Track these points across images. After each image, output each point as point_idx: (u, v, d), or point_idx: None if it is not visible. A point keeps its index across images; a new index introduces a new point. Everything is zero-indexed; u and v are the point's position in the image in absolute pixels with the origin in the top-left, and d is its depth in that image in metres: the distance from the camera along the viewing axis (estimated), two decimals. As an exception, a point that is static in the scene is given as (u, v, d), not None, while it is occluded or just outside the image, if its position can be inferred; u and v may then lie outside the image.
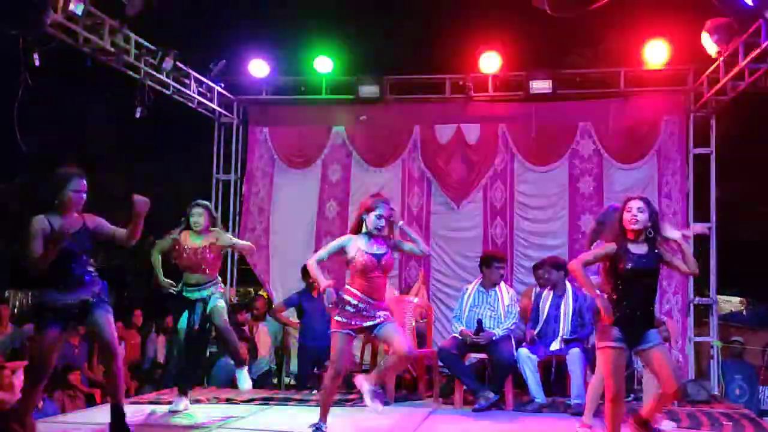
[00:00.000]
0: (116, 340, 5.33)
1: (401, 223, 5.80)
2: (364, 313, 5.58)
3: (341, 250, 5.67)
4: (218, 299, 6.78)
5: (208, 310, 6.73)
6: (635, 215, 5.04)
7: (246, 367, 6.96)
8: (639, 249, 5.05)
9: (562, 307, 7.64)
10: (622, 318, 4.97)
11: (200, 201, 7.02)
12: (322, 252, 5.78)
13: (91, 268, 5.28)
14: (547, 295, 7.76)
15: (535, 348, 7.55)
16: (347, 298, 5.58)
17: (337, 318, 5.60)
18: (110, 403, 5.39)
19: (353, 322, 5.59)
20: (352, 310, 5.58)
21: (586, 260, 5.14)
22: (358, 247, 5.60)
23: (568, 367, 7.38)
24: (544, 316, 7.70)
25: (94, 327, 5.22)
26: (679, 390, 5.02)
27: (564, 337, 7.52)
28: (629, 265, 4.97)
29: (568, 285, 7.73)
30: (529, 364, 7.40)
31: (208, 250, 6.74)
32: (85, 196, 5.25)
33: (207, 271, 6.77)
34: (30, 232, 5.11)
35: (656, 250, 5.06)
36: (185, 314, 6.83)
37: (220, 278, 6.90)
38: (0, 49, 9.83)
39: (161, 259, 6.88)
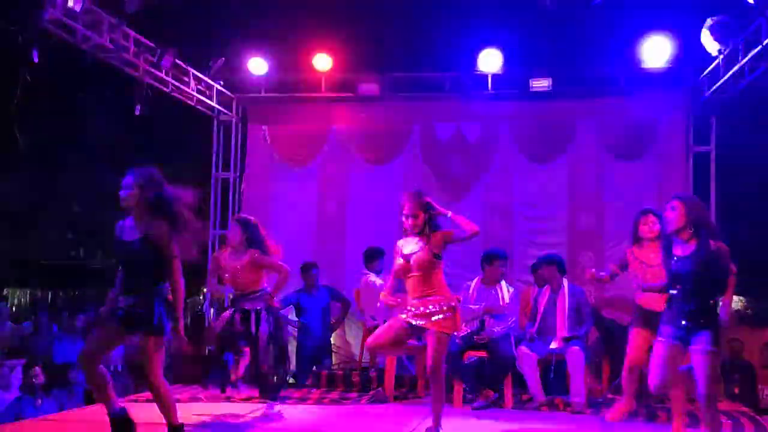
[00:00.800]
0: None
1: (449, 214, 5.72)
2: (416, 311, 5.57)
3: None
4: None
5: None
6: (667, 215, 5.07)
7: None
8: (684, 249, 5.03)
9: (559, 302, 7.64)
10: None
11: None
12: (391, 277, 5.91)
13: (144, 279, 4.89)
14: (544, 293, 7.77)
15: (534, 346, 7.54)
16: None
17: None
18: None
19: (412, 317, 5.59)
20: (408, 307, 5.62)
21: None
22: (400, 250, 5.69)
23: (568, 366, 7.37)
24: (541, 314, 7.70)
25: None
26: (704, 397, 4.90)
27: (563, 335, 7.51)
28: (673, 267, 5.01)
29: (565, 282, 7.73)
30: (528, 362, 7.39)
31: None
32: (129, 192, 4.91)
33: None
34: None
35: (703, 250, 4.95)
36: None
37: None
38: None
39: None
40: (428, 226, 5.63)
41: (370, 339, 5.71)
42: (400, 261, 5.62)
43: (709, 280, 4.97)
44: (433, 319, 5.50)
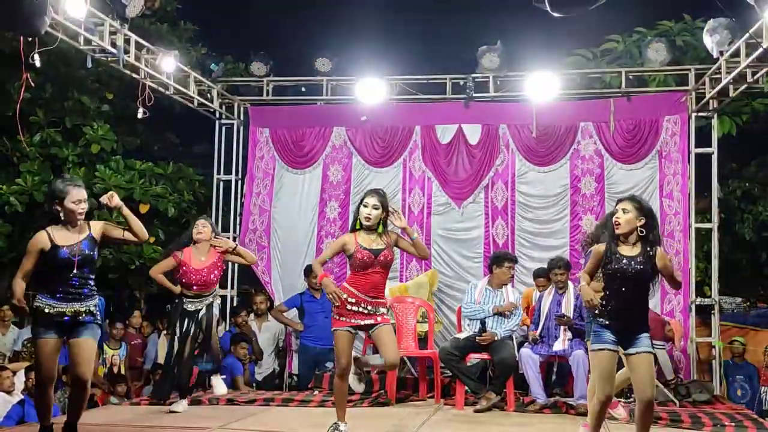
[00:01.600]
0: (90, 371, 5.36)
1: (416, 236, 5.83)
2: (364, 311, 5.60)
3: (342, 248, 5.73)
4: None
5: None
6: (617, 218, 5.04)
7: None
8: (630, 251, 5.02)
9: (564, 304, 7.65)
10: (612, 320, 4.95)
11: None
12: (326, 252, 6.01)
13: (91, 282, 5.31)
14: (549, 293, 7.77)
15: (537, 348, 7.55)
16: (346, 296, 5.60)
17: (336, 316, 5.64)
18: (66, 420, 5.41)
19: (353, 320, 5.60)
20: (351, 308, 5.60)
21: (589, 270, 5.16)
22: (357, 243, 5.64)
23: (572, 369, 7.38)
24: (545, 316, 7.70)
25: (75, 349, 5.22)
26: (649, 402, 4.91)
27: (569, 338, 7.51)
28: (614, 266, 4.97)
29: (570, 284, 7.73)
30: (531, 364, 7.39)
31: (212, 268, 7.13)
32: (85, 205, 5.23)
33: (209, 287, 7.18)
34: (27, 248, 5.21)
35: (649, 252, 4.99)
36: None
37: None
38: (1, 49, 9.91)
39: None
40: (383, 224, 5.73)
41: (341, 366, 5.67)
42: (361, 253, 5.60)
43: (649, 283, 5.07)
44: (386, 315, 5.70)
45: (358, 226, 5.70)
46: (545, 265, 8.10)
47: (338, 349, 5.62)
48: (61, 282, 5.17)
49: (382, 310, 5.69)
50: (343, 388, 5.71)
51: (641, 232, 5.02)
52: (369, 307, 5.60)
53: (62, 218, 5.20)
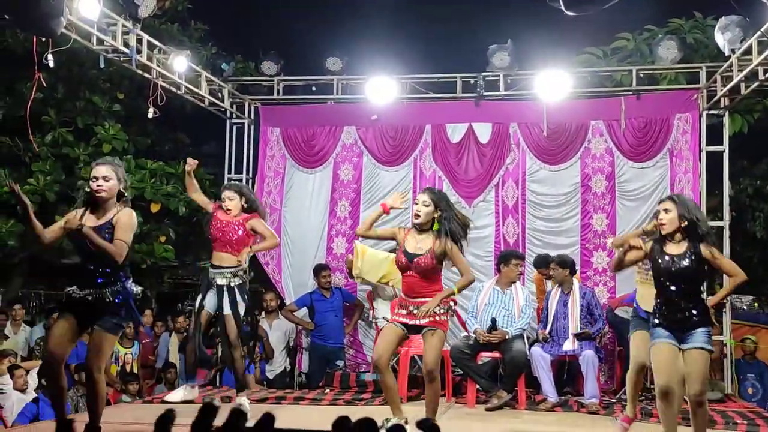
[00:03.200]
0: (101, 367, 5.06)
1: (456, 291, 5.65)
2: (406, 311, 5.58)
3: (392, 237, 5.72)
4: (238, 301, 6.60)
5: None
6: (661, 218, 5.12)
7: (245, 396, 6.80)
8: (675, 249, 5.09)
9: (570, 304, 7.66)
10: (663, 318, 5.09)
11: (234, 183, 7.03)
12: (376, 225, 5.77)
13: (108, 268, 5.00)
14: (555, 294, 7.78)
15: (548, 347, 7.55)
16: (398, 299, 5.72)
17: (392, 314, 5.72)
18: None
19: (400, 318, 5.60)
20: (399, 309, 5.64)
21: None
22: (403, 241, 5.59)
23: (582, 369, 7.39)
24: (553, 315, 7.71)
25: (90, 343, 5.03)
26: (696, 398, 4.98)
27: (575, 333, 7.53)
28: (660, 265, 5.08)
29: (575, 282, 7.74)
30: (542, 362, 7.40)
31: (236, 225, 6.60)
32: (103, 182, 4.97)
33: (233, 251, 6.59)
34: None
35: (695, 249, 5.04)
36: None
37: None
38: (11, 49, 9.96)
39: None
40: (439, 223, 5.53)
41: (373, 361, 5.69)
42: (399, 255, 5.57)
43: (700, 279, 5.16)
44: (437, 316, 5.50)
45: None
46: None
47: (377, 341, 5.72)
48: (80, 266, 5.05)
49: (428, 315, 5.50)
50: (384, 381, 5.61)
51: (685, 229, 5.07)
52: (411, 308, 5.57)
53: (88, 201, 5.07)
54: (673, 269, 5.02)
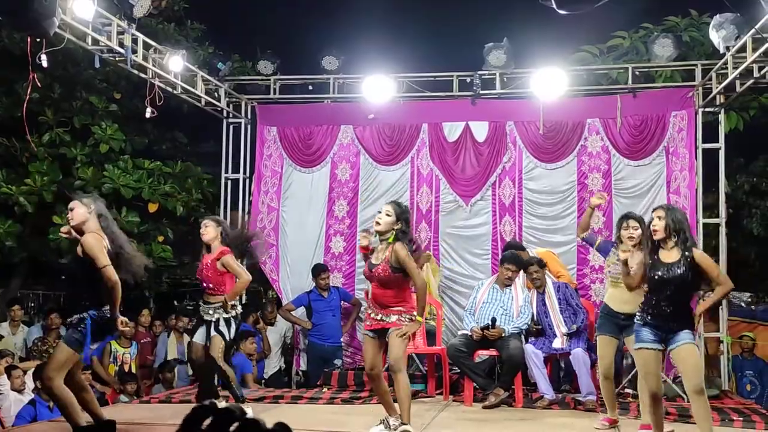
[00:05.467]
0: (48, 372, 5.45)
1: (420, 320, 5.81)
2: (375, 318, 5.75)
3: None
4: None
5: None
6: (653, 225, 5.25)
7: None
8: (668, 257, 5.21)
9: (548, 301, 7.69)
10: (653, 318, 5.21)
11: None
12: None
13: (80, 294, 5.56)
14: (532, 297, 7.80)
15: (539, 343, 7.57)
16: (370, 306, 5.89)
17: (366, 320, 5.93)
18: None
19: (371, 324, 5.79)
20: (370, 314, 5.83)
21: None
22: (371, 250, 5.83)
23: (574, 367, 7.41)
24: (535, 317, 7.73)
25: None
26: (696, 390, 5.13)
27: (564, 333, 7.54)
28: (656, 272, 5.20)
29: (548, 280, 7.77)
30: (535, 359, 7.41)
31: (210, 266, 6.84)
32: (70, 214, 5.50)
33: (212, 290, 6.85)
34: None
35: (687, 256, 5.17)
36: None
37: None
38: (9, 49, 9.96)
39: None
40: (396, 238, 5.61)
41: (366, 368, 5.92)
42: (366, 266, 5.83)
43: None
44: (399, 320, 5.69)
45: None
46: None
47: (363, 352, 5.97)
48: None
49: (393, 318, 5.67)
50: (378, 387, 5.83)
51: (674, 237, 5.22)
52: (379, 316, 5.73)
53: None
54: (665, 277, 5.16)
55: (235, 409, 1.16)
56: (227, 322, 6.72)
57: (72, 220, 5.63)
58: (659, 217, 5.23)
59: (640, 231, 5.94)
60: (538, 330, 7.64)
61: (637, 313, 5.33)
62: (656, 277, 5.18)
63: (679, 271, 5.14)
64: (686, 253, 5.16)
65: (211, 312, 6.75)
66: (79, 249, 5.38)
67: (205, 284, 6.85)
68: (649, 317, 5.20)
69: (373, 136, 10.05)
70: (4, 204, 10.12)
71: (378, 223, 5.63)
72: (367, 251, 5.80)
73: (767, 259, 12.65)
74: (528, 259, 7.95)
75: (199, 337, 6.89)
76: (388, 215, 5.62)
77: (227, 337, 6.70)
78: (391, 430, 5.69)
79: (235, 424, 1.12)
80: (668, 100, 9.45)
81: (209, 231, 6.87)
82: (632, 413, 6.77)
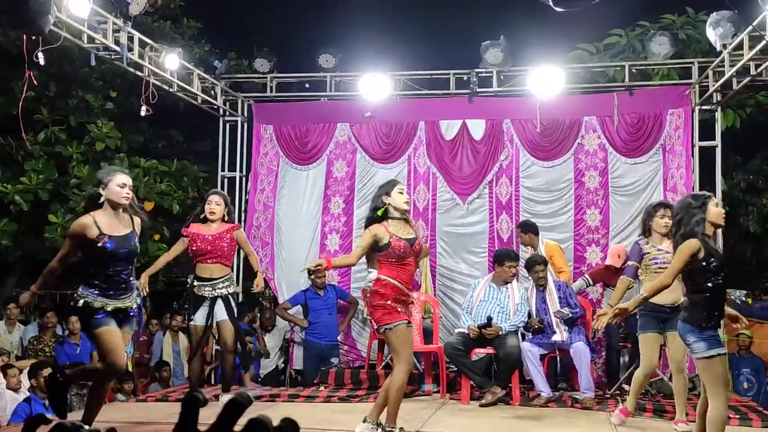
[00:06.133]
0: (123, 359, 5.25)
1: None
2: (407, 304, 5.45)
3: (374, 240, 5.40)
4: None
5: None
6: (721, 210, 5.01)
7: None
8: (717, 244, 5.07)
9: (548, 298, 7.68)
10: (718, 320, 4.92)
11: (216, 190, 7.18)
12: (361, 247, 5.47)
13: (133, 275, 5.26)
14: (532, 293, 7.78)
15: (537, 339, 7.56)
16: (391, 292, 5.33)
17: (389, 310, 5.33)
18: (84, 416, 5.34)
19: (408, 314, 5.45)
20: (403, 299, 5.39)
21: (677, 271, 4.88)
22: (389, 233, 5.39)
23: (574, 362, 7.39)
24: (536, 314, 7.72)
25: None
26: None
27: (566, 314, 7.52)
28: (716, 263, 4.78)
29: (549, 277, 7.76)
30: (531, 357, 7.40)
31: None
32: (129, 191, 5.14)
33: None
34: (69, 232, 5.11)
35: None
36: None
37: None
38: (4, 47, 9.93)
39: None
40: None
41: (409, 362, 5.53)
42: (399, 243, 5.36)
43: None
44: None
45: (380, 215, 5.45)
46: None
47: (405, 343, 5.35)
48: (108, 275, 5.06)
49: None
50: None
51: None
52: (410, 296, 5.48)
53: (106, 203, 5.09)
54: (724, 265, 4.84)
55: (243, 399, 1.14)
56: (234, 297, 6.83)
57: None
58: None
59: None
60: (540, 327, 7.62)
61: (705, 319, 4.78)
62: (719, 265, 4.78)
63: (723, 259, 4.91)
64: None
65: (221, 286, 6.77)
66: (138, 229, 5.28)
67: (213, 258, 6.80)
68: (714, 319, 4.84)
69: (370, 134, 10.04)
70: (-1, 203, 10.11)
71: (408, 202, 5.59)
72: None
73: (763, 257, 12.67)
74: (534, 258, 7.94)
75: (200, 318, 6.84)
76: (405, 193, 5.61)
77: (236, 313, 6.81)
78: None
79: (242, 424, 1.10)
80: (665, 97, 9.45)
81: (220, 209, 6.89)
82: (648, 413, 6.74)
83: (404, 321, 5.32)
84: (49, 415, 5.37)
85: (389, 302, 5.30)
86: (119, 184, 5.08)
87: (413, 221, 5.80)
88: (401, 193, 5.52)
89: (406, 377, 5.39)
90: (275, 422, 1.10)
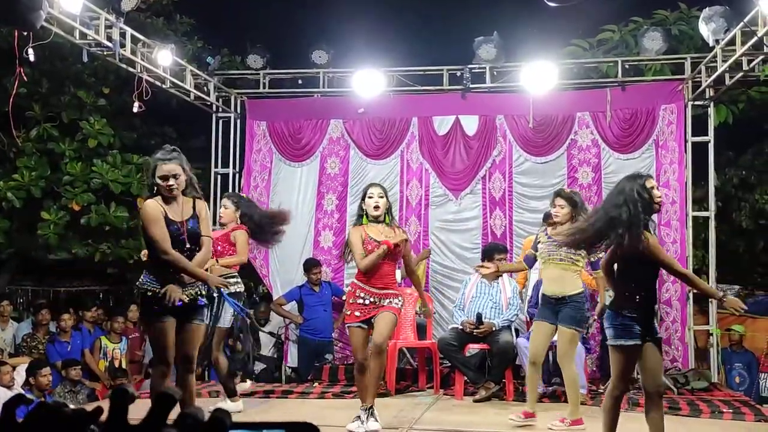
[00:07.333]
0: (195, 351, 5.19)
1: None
2: (372, 304, 5.71)
3: (360, 241, 5.76)
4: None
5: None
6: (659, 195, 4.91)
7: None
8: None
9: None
10: (641, 311, 4.84)
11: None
12: (359, 251, 5.76)
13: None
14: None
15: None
16: (358, 292, 5.75)
17: (347, 311, 5.85)
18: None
19: (361, 316, 5.75)
20: (364, 302, 5.72)
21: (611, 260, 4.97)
22: (365, 234, 5.73)
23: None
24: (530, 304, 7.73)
25: (188, 334, 5.04)
26: (660, 390, 4.96)
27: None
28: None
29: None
30: (527, 353, 7.41)
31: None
32: (173, 181, 4.97)
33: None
34: (149, 217, 4.89)
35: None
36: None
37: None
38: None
39: None
40: (389, 214, 5.86)
41: (357, 361, 5.87)
42: (370, 245, 5.69)
43: None
44: (393, 303, 5.81)
45: (365, 221, 5.79)
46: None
47: (353, 345, 5.85)
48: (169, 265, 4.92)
49: (392, 301, 5.76)
50: (362, 381, 5.82)
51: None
52: (376, 300, 5.71)
53: (158, 191, 5.01)
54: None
55: (172, 392, 1.13)
56: (237, 296, 6.66)
57: None
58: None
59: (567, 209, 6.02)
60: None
61: (624, 308, 4.82)
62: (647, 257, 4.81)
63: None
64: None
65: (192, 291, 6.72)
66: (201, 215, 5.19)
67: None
68: (636, 311, 4.80)
69: (363, 130, 10.03)
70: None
71: (377, 207, 5.73)
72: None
73: (756, 252, 12.70)
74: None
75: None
76: (381, 197, 5.76)
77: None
78: (362, 423, 5.72)
79: (174, 416, 1.10)
80: (658, 93, 9.46)
81: (228, 213, 6.82)
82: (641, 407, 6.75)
83: (355, 324, 5.79)
84: (29, 396, 5.37)
85: (350, 301, 5.85)
86: (160, 176, 4.99)
87: (396, 225, 5.94)
88: (370, 197, 5.77)
89: (356, 373, 5.88)
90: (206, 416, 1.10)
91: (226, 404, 6.64)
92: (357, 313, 5.76)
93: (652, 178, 5.11)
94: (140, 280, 5.06)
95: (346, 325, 5.92)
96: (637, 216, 4.62)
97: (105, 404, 1.13)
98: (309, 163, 10.10)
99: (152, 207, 4.91)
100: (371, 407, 5.73)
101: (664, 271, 6.11)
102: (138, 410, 1.10)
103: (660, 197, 4.87)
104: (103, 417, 1.15)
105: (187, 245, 4.99)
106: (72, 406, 1.17)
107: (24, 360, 8.49)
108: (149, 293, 4.95)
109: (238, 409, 6.47)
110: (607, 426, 4.97)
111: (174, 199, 5.02)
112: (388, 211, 5.82)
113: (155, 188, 5.01)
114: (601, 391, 7.72)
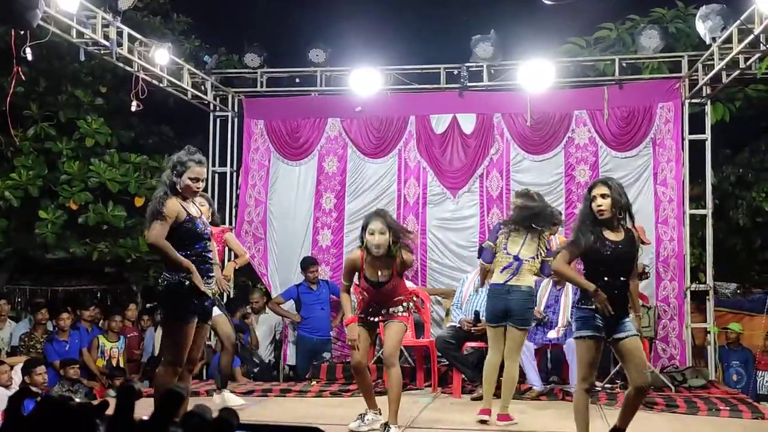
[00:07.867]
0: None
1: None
2: (378, 312, 5.80)
3: (353, 268, 5.77)
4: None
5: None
6: (599, 204, 4.92)
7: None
8: (614, 236, 4.94)
9: (563, 299, 7.68)
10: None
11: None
12: (345, 279, 5.86)
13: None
14: (546, 287, 7.78)
15: (531, 335, 7.57)
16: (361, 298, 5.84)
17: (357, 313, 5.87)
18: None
19: (369, 318, 5.80)
20: (368, 308, 5.81)
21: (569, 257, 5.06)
22: (362, 270, 5.69)
23: (567, 357, 7.41)
24: (543, 306, 7.72)
25: (196, 335, 5.07)
26: (645, 385, 4.96)
27: (563, 326, 7.55)
28: (604, 252, 4.85)
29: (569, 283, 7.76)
30: (526, 352, 7.42)
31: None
32: (201, 184, 5.14)
33: None
34: (165, 213, 4.85)
35: (630, 234, 4.98)
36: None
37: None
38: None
39: None
40: (394, 244, 5.58)
41: (354, 360, 5.93)
42: (362, 284, 5.76)
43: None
44: (400, 313, 5.86)
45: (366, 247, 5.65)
46: None
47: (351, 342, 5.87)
48: (198, 259, 4.95)
49: (398, 309, 5.77)
50: (364, 381, 5.89)
51: (620, 215, 4.99)
52: (382, 310, 5.77)
53: (178, 190, 4.99)
54: (616, 255, 4.86)
55: (179, 390, 1.14)
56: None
57: None
58: (603, 195, 4.92)
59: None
60: (543, 321, 7.64)
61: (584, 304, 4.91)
62: (602, 256, 4.87)
63: (624, 249, 4.91)
64: (628, 231, 4.97)
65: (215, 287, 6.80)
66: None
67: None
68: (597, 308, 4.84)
69: (361, 128, 10.03)
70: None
71: (379, 247, 5.51)
72: None
73: (753, 250, 12.70)
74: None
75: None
76: (382, 234, 5.53)
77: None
78: (366, 424, 5.73)
79: (180, 414, 1.10)
80: (655, 91, 9.47)
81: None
82: (619, 403, 6.78)
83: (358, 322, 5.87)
84: (34, 389, 5.37)
85: (359, 308, 5.96)
86: (191, 177, 4.99)
87: (400, 258, 5.59)
88: (371, 234, 5.54)
89: (353, 372, 6.07)
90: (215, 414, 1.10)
91: (227, 395, 6.71)
92: (361, 315, 5.86)
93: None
94: (165, 275, 4.97)
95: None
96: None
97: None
98: (307, 162, 10.10)
99: (174, 204, 4.91)
100: (387, 425, 5.66)
101: (660, 270, 6.11)
102: (138, 409, 1.11)
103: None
104: (109, 411, 1.15)
105: (209, 241, 5.16)
106: (78, 400, 1.17)
107: (22, 359, 8.48)
108: (186, 284, 4.87)
109: (239, 403, 6.54)
110: (582, 425, 4.96)
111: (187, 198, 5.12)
112: (393, 241, 5.54)
113: (175, 186, 4.98)
114: (599, 389, 7.73)
